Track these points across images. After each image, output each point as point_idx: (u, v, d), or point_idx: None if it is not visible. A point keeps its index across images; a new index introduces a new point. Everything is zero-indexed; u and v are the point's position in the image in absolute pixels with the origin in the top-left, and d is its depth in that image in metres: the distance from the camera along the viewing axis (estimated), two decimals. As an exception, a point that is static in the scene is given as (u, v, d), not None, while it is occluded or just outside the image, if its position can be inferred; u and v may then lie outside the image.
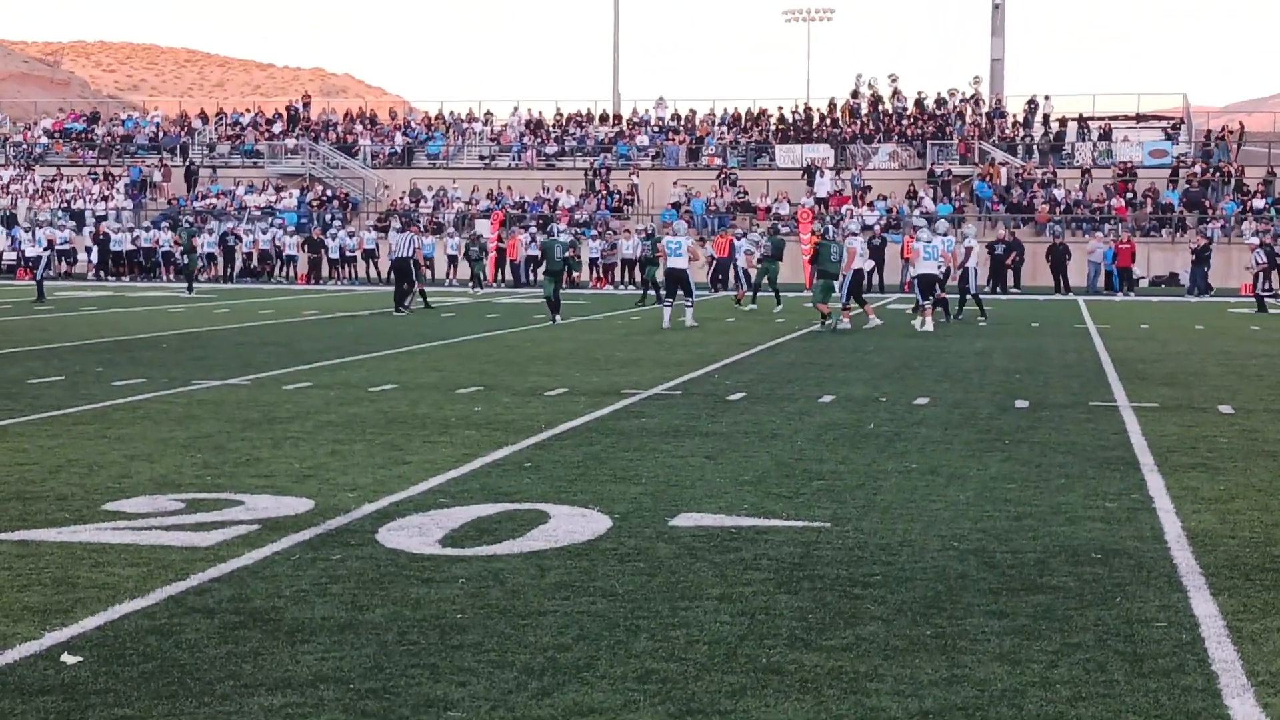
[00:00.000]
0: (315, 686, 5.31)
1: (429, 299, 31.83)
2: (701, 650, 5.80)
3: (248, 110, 65.45)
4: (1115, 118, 56.02)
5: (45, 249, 37.59)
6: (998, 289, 40.82)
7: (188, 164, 58.78)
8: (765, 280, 32.77)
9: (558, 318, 26.63)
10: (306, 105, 64.50)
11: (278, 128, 61.72)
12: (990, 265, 41.72)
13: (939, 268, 25.66)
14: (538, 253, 40.12)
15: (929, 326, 24.34)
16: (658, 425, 12.42)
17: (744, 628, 6.13)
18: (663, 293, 27.34)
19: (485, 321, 26.97)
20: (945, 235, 26.27)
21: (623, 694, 5.25)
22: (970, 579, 6.99)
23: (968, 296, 27.99)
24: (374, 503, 8.83)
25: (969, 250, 27.31)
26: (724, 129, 58.15)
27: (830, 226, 30.61)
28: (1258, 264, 33.48)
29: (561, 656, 5.71)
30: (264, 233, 49.33)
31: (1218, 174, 50.11)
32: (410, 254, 29.99)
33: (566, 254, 27.94)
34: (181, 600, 6.52)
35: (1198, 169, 50.19)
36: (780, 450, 11.04)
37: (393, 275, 30.72)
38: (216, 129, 62.76)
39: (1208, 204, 48.40)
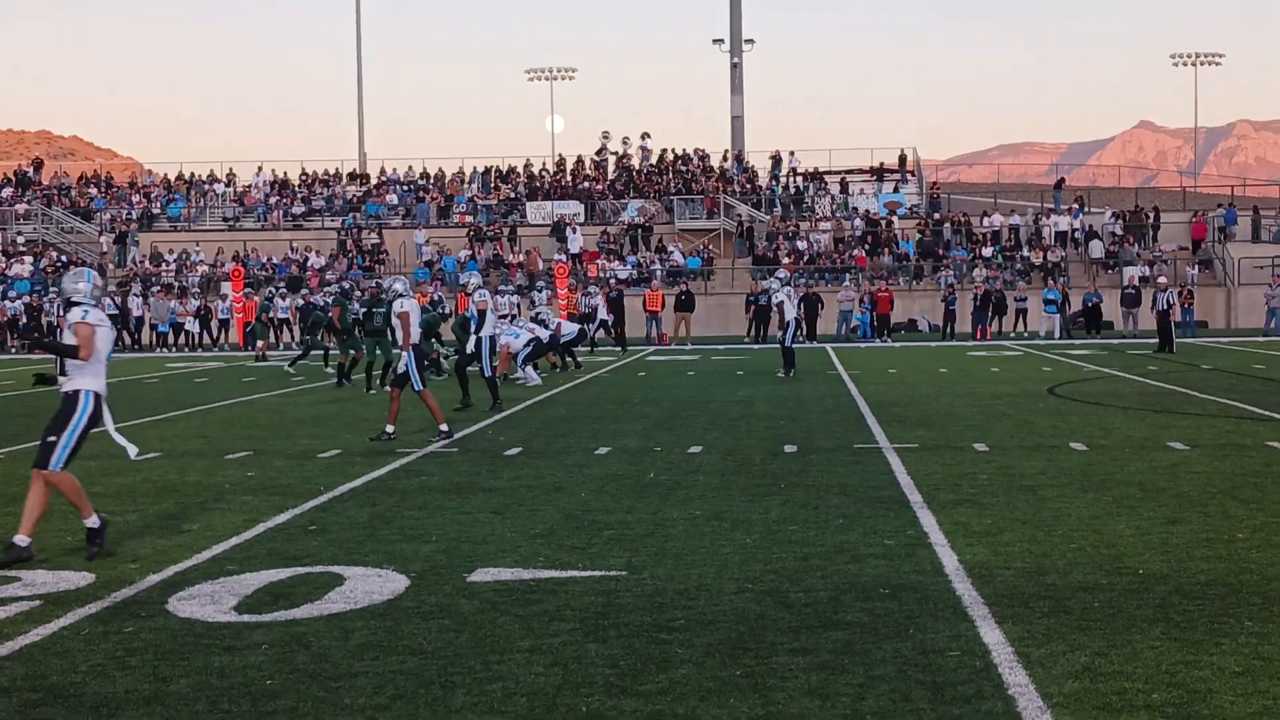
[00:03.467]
0: (131, 762, 5.16)
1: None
2: (520, 702, 5.83)
3: (-27, 175, 62.73)
4: (851, 171, 58.18)
5: None
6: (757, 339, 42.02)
7: None
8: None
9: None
10: (38, 168, 62.21)
11: (7, 192, 59.32)
12: (754, 316, 42.98)
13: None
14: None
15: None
16: (439, 483, 12.37)
17: (559, 677, 6.18)
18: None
19: (241, 386, 26.37)
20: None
21: (450, 750, 5.24)
22: (770, 619, 7.18)
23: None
24: (159, 573, 8.59)
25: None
26: (474, 186, 58.28)
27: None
28: None
29: (381, 716, 5.67)
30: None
31: (950, 224, 52.48)
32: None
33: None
34: (-30, 683, 6.25)
35: (944, 221, 52.40)
36: (566, 502, 11.12)
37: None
38: (-60, 194, 60.00)
39: (941, 252, 50.59)
